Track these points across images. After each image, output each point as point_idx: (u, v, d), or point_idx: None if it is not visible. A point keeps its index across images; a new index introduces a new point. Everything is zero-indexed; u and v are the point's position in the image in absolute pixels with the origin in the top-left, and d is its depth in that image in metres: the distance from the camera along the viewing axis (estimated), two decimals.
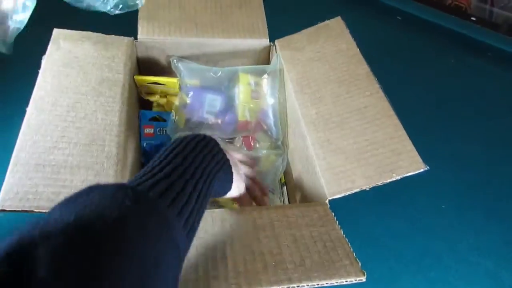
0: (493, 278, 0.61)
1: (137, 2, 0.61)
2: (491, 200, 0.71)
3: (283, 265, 0.39)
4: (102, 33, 0.60)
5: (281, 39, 0.67)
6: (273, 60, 0.64)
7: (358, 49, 0.61)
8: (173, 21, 0.65)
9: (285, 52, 0.64)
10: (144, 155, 0.63)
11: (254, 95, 0.65)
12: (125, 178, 0.47)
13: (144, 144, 0.63)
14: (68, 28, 0.59)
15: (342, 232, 0.43)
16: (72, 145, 0.46)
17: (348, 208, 0.60)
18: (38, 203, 0.41)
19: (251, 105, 0.65)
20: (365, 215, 0.66)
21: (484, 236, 0.66)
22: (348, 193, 0.47)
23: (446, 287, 0.60)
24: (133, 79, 0.62)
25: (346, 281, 0.39)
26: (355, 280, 0.39)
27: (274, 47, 0.68)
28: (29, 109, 0.49)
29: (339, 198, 0.47)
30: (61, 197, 0.41)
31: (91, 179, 0.44)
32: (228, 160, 0.44)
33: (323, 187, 0.48)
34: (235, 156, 0.52)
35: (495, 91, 0.91)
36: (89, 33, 0.60)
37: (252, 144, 0.66)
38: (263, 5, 0.70)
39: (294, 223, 0.43)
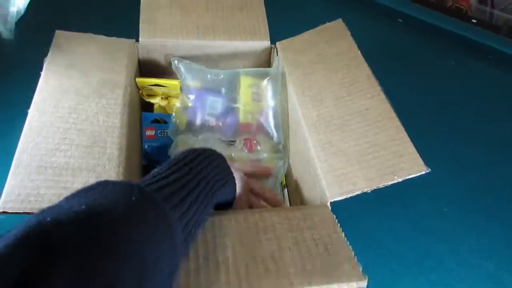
0: (494, 280, 0.61)
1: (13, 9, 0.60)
2: (492, 202, 0.70)
3: (284, 269, 0.39)
4: (104, 35, 0.61)
5: (282, 41, 0.67)
6: (274, 62, 0.64)
7: (359, 51, 0.61)
8: (175, 23, 0.65)
9: (286, 54, 0.64)
10: (145, 157, 0.63)
11: (255, 97, 0.65)
12: (126, 180, 0.47)
13: (146, 146, 0.63)
14: (69, 30, 0.59)
15: (343, 235, 0.43)
16: (74, 147, 0.47)
17: (350, 210, 0.60)
18: (40, 205, 0.41)
19: (252, 107, 0.65)
20: (367, 217, 0.66)
21: (485, 239, 0.65)
22: (349, 195, 0.47)
23: None
24: (135, 81, 0.62)
25: (347, 286, 0.39)
26: (357, 284, 0.39)
27: (275, 49, 0.68)
28: (31, 111, 0.49)
29: (340, 200, 0.47)
30: None
31: (92, 181, 0.44)
32: (233, 178, 0.46)
33: (325, 190, 0.48)
34: (245, 169, 0.53)
35: (496, 93, 0.91)
36: (91, 35, 0.60)
37: (253, 146, 0.66)
38: (264, 7, 0.70)
39: (295, 226, 0.43)
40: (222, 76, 0.64)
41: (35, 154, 0.45)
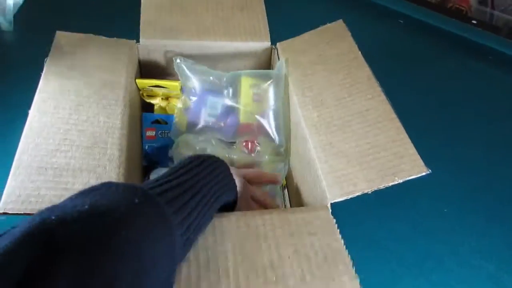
0: (495, 281, 0.61)
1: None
2: (492, 203, 0.70)
3: (284, 280, 0.39)
4: (104, 36, 0.61)
5: (282, 42, 0.67)
6: (277, 65, 0.64)
7: (359, 52, 0.61)
8: (175, 24, 0.65)
9: (286, 55, 0.64)
10: (145, 158, 0.64)
11: (256, 98, 0.65)
12: (127, 181, 0.47)
13: (146, 147, 0.63)
14: (70, 31, 0.59)
15: (343, 242, 0.43)
16: (75, 148, 0.47)
17: (350, 211, 0.60)
18: (40, 206, 0.41)
19: (253, 108, 0.65)
20: (367, 217, 0.66)
21: (486, 239, 0.65)
22: (350, 196, 0.47)
23: None
24: (135, 82, 0.62)
25: None
26: None
27: (275, 50, 0.68)
28: (32, 112, 0.49)
29: (341, 201, 0.47)
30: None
31: (93, 182, 0.44)
32: (234, 185, 0.46)
33: (325, 191, 0.48)
34: (251, 175, 0.54)
35: (496, 94, 0.91)
36: (91, 35, 0.60)
37: (254, 147, 0.66)
38: (264, 8, 0.70)
39: (295, 231, 0.43)
40: (225, 78, 0.64)
41: (36, 155, 0.45)
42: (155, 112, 0.69)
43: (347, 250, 0.42)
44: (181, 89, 0.65)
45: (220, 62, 0.69)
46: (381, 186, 0.47)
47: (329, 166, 0.50)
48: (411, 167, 0.47)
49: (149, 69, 0.68)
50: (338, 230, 0.44)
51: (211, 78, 0.64)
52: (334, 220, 0.45)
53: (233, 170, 0.50)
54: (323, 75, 0.59)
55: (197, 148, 0.61)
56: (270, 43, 0.67)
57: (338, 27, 0.65)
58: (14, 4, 0.64)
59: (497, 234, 0.66)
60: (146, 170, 0.62)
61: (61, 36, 0.59)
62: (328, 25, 0.66)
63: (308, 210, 0.47)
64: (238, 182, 0.48)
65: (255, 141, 0.66)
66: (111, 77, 0.56)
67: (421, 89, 0.90)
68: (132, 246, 0.28)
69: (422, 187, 0.70)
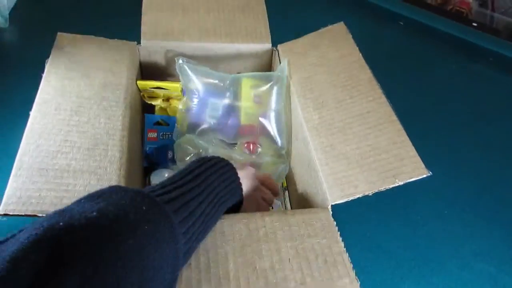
0: (496, 283, 0.61)
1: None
2: (493, 205, 0.70)
3: (284, 283, 0.39)
4: (105, 37, 0.61)
5: (283, 44, 0.67)
6: (279, 66, 0.64)
7: (360, 54, 0.61)
8: (176, 26, 0.65)
9: (287, 56, 0.64)
10: (146, 159, 0.63)
11: (257, 99, 0.65)
12: (127, 183, 0.47)
13: (147, 148, 0.63)
14: (71, 32, 0.60)
15: (343, 245, 0.43)
16: (76, 149, 0.46)
17: (350, 213, 0.60)
18: (41, 208, 0.41)
19: (254, 109, 0.65)
20: (367, 219, 0.66)
21: (486, 242, 0.65)
22: (350, 198, 0.47)
23: None
24: (136, 83, 0.62)
25: None
26: None
27: (276, 52, 0.68)
28: (33, 113, 0.49)
29: (341, 203, 0.47)
30: (64, 202, 0.42)
31: (94, 184, 0.44)
32: (240, 188, 0.46)
33: (326, 192, 0.48)
34: (261, 176, 0.54)
35: (496, 96, 0.91)
36: (92, 37, 0.60)
37: (255, 148, 0.66)
38: (265, 10, 0.71)
39: (296, 233, 0.43)
40: (226, 80, 0.64)
41: (37, 156, 0.45)
42: (156, 113, 0.69)
43: (347, 253, 0.42)
44: (182, 91, 0.65)
45: (221, 64, 0.69)
46: (382, 188, 0.47)
47: (330, 168, 0.50)
48: (412, 169, 0.47)
49: (150, 71, 0.68)
50: (339, 233, 0.44)
51: (212, 79, 0.64)
52: (335, 222, 0.45)
53: (247, 169, 0.50)
54: (324, 77, 0.59)
55: (199, 149, 0.61)
56: (271, 44, 0.67)
57: (339, 29, 0.65)
58: (8, 0, 0.64)
59: (497, 236, 0.66)
60: (147, 171, 0.62)
61: (62, 37, 0.59)
62: (329, 27, 0.66)
63: (309, 212, 0.47)
64: (249, 182, 0.48)
65: (256, 143, 0.66)
66: (112, 78, 0.56)
67: (421, 91, 0.90)
68: (139, 255, 0.28)
69: (422, 189, 0.70)
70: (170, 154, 0.64)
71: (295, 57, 0.64)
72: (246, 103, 0.65)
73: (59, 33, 0.59)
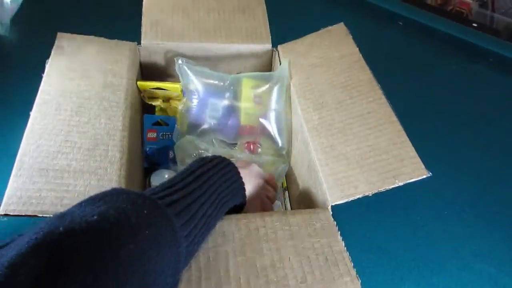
0: (496, 284, 0.61)
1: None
2: (493, 206, 0.70)
3: (285, 281, 0.39)
4: (106, 37, 0.61)
5: (284, 45, 0.67)
6: (280, 66, 0.64)
7: (360, 55, 0.61)
8: (176, 26, 0.65)
9: (287, 57, 0.64)
10: (146, 160, 0.64)
11: (257, 100, 0.65)
12: (128, 183, 0.47)
13: (147, 149, 0.63)
14: (71, 32, 0.60)
15: (344, 244, 0.43)
16: (76, 149, 0.47)
17: (350, 213, 0.60)
18: (42, 208, 0.41)
19: (254, 110, 0.65)
20: (367, 220, 0.66)
21: (486, 242, 0.65)
22: (350, 199, 0.47)
23: None
24: (136, 83, 0.62)
25: None
26: None
27: (276, 52, 0.68)
28: (33, 113, 0.49)
29: (341, 203, 0.47)
30: (64, 202, 0.42)
31: (94, 184, 0.44)
32: (242, 188, 0.46)
33: (326, 193, 0.48)
34: (267, 176, 0.54)
35: (496, 96, 0.91)
36: (93, 37, 0.60)
37: (255, 148, 0.66)
38: (265, 10, 0.71)
39: (296, 233, 0.43)
40: (226, 80, 0.64)
41: (37, 156, 0.45)
42: (156, 114, 0.69)
43: (348, 252, 0.42)
44: (182, 91, 0.65)
45: (221, 64, 0.69)
46: (382, 189, 0.47)
47: (330, 168, 0.50)
48: (412, 169, 0.48)
49: (150, 71, 0.68)
50: (339, 232, 0.44)
51: (212, 80, 0.64)
52: (335, 223, 0.46)
53: (251, 167, 0.50)
54: (324, 78, 0.59)
55: (200, 149, 0.61)
56: (271, 45, 0.67)
57: (339, 30, 0.65)
58: (11, 9, 0.64)
59: (497, 236, 0.66)
60: (147, 172, 0.62)
61: (62, 38, 0.59)
62: (329, 28, 0.66)
63: (309, 212, 0.47)
64: (254, 180, 0.48)
65: (256, 143, 0.66)
66: (112, 79, 0.56)
67: (421, 91, 0.90)
68: (140, 260, 0.28)
69: (422, 190, 0.70)
70: (171, 155, 0.64)
71: (295, 57, 0.64)
72: (246, 104, 0.65)
73: (59, 34, 0.59)
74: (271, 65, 0.71)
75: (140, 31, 0.64)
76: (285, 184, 0.67)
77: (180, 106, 0.65)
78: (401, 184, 0.47)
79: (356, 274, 0.40)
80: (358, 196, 0.47)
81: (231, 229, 0.43)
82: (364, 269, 0.61)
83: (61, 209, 0.41)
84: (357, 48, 0.62)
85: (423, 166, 0.48)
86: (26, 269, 0.22)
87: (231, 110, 0.66)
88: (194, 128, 0.65)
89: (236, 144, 0.67)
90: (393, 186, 0.47)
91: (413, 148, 0.50)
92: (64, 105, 0.50)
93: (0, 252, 0.24)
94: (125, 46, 0.61)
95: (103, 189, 0.43)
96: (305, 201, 0.57)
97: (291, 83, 0.62)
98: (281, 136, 0.64)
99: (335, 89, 0.57)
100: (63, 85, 0.52)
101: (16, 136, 0.47)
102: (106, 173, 0.46)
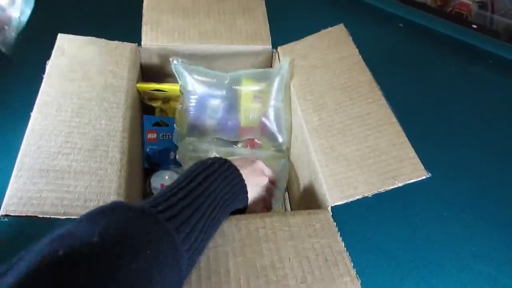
0: (495, 285, 0.61)
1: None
2: (493, 207, 0.71)
3: (285, 281, 0.39)
4: (106, 38, 0.61)
5: (283, 46, 0.67)
6: (278, 63, 0.64)
7: (360, 56, 0.61)
8: (177, 28, 0.66)
9: (287, 58, 0.64)
10: (147, 160, 0.64)
11: (257, 100, 0.65)
12: (128, 184, 0.47)
13: (147, 149, 0.64)
14: (71, 33, 0.60)
15: (343, 245, 0.43)
16: (76, 150, 0.47)
17: (350, 214, 0.60)
18: (42, 208, 0.41)
19: (254, 110, 0.66)
20: (367, 221, 0.66)
21: (486, 243, 0.66)
22: (350, 199, 0.47)
23: None
24: (136, 85, 0.62)
25: None
26: None
27: (276, 54, 0.68)
28: (34, 114, 0.49)
29: (341, 204, 0.47)
30: (65, 203, 0.42)
31: (94, 185, 0.44)
32: (244, 191, 0.45)
33: (326, 194, 0.48)
34: (271, 176, 0.53)
35: (496, 97, 0.92)
36: (93, 38, 0.60)
37: (255, 145, 0.66)
38: (265, 12, 0.71)
39: (296, 234, 0.43)
40: (223, 78, 0.64)
41: (38, 157, 0.45)
42: (156, 115, 0.69)
43: (347, 252, 0.42)
44: (181, 92, 0.65)
45: (221, 66, 0.69)
46: (382, 190, 0.47)
47: (330, 169, 0.50)
48: (411, 170, 0.48)
49: (150, 72, 0.68)
50: (339, 233, 0.45)
51: (210, 79, 0.63)
52: (335, 223, 0.46)
53: (255, 164, 0.49)
54: (324, 79, 0.60)
55: (201, 149, 0.61)
56: (271, 46, 0.67)
57: (339, 31, 0.66)
58: (16, 29, 0.64)
59: (497, 237, 0.66)
60: (148, 173, 0.62)
61: (63, 39, 0.59)
62: (329, 29, 0.66)
63: (309, 213, 0.47)
64: (256, 179, 0.48)
65: (257, 141, 0.66)
66: (113, 80, 0.56)
67: (421, 92, 0.90)
68: (141, 281, 0.28)
69: (422, 191, 0.70)
70: (171, 155, 0.64)
71: (295, 58, 0.64)
72: (246, 104, 0.65)
73: (59, 35, 0.59)
74: (271, 66, 0.71)
75: (140, 32, 0.64)
76: (285, 185, 0.67)
77: (178, 107, 0.65)
78: (400, 185, 0.47)
79: (356, 274, 0.40)
80: (357, 197, 0.47)
81: (231, 230, 0.43)
82: (364, 270, 0.61)
83: (62, 209, 0.41)
84: (357, 50, 0.62)
85: (422, 167, 0.48)
86: None
87: (231, 111, 0.66)
88: (194, 129, 0.65)
89: (237, 142, 0.67)
90: (392, 187, 0.47)
91: (412, 149, 0.50)
92: (65, 106, 0.51)
93: (1, 280, 0.24)
94: (126, 48, 0.61)
95: (103, 190, 0.44)
96: (305, 201, 0.57)
97: (291, 84, 0.62)
98: (280, 132, 0.64)
99: (335, 90, 0.58)
100: (63, 86, 0.53)
101: (17, 137, 0.47)
102: (106, 174, 0.46)
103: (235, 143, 0.67)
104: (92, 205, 0.43)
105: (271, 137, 0.65)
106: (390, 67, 0.89)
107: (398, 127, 0.52)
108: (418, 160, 0.49)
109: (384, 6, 1.09)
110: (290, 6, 1.07)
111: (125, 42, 0.62)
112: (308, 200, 0.56)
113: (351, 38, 0.64)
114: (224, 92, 0.65)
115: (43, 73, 0.54)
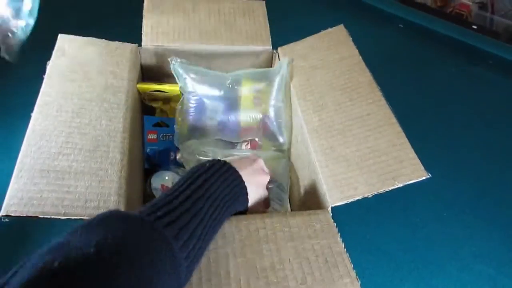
0: (495, 285, 0.61)
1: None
2: (492, 207, 0.71)
3: (285, 282, 0.39)
4: (106, 39, 0.61)
5: (284, 46, 0.67)
6: (278, 62, 0.64)
7: (360, 57, 0.61)
8: (177, 28, 0.66)
9: (287, 58, 0.64)
10: (147, 161, 0.64)
11: (257, 101, 0.65)
12: (128, 185, 0.47)
13: (148, 150, 0.64)
14: (72, 34, 0.60)
15: (343, 246, 0.43)
16: (77, 151, 0.47)
17: (350, 215, 0.60)
18: (43, 209, 0.41)
19: (254, 110, 0.66)
20: (367, 221, 0.66)
21: (486, 243, 0.66)
22: (350, 200, 0.47)
23: None
24: (137, 85, 0.62)
25: None
26: None
27: (276, 54, 0.68)
28: (34, 115, 0.49)
29: (341, 205, 0.47)
30: (65, 203, 0.42)
31: (95, 185, 0.44)
32: (244, 194, 0.45)
33: (326, 194, 0.48)
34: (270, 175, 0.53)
35: (496, 98, 0.92)
36: (94, 39, 0.60)
37: (256, 145, 0.66)
38: (266, 13, 0.71)
39: (296, 234, 0.43)
40: (223, 79, 0.64)
41: (38, 157, 0.45)
42: (156, 115, 0.70)
43: (347, 253, 0.42)
44: (181, 92, 0.65)
45: (221, 66, 0.69)
46: (381, 190, 0.47)
47: (330, 170, 0.50)
48: (411, 171, 0.48)
49: (151, 73, 0.68)
50: (339, 234, 0.45)
51: (209, 79, 0.63)
52: (335, 224, 0.46)
53: (255, 163, 0.49)
54: (324, 80, 0.60)
55: (203, 152, 0.60)
56: (271, 47, 0.67)
57: (339, 32, 0.66)
58: (21, 38, 0.65)
59: (497, 238, 0.67)
60: (148, 173, 0.62)
61: (63, 39, 0.59)
62: (329, 30, 0.67)
63: (309, 213, 0.47)
64: (257, 179, 0.47)
65: (257, 141, 0.66)
66: (113, 80, 0.56)
67: (421, 93, 0.90)
68: (140, 287, 0.28)
69: (422, 191, 0.70)
70: (172, 156, 0.65)
71: (295, 59, 0.64)
72: (246, 105, 0.65)
73: (60, 35, 0.59)
74: (271, 67, 0.71)
75: (141, 33, 0.64)
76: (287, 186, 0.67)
77: (178, 108, 0.64)
78: (400, 185, 0.47)
79: (356, 275, 0.40)
80: (357, 198, 0.47)
81: (231, 231, 0.43)
82: (364, 271, 0.61)
83: (62, 210, 0.41)
84: (357, 50, 0.62)
85: (422, 168, 0.48)
86: None
87: (231, 111, 0.66)
88: (194, 130, 0.65)
89: (238, 142, 0.67)
90: (392, 188, 0.47)
91: (412, 149, 0.50)
92: (65, 106, 0.51)
93: None
94: (126, 48, 0.61)
95: (103, 190, 0.44)
96: (305, 202, 0.58)
97: (291, 84, 0.62)
98: (281, 132, 0.64)
99: (335, 91, 0.58)
100: (64, 87, 0.53)
101: (17, 137, 0.47)
102: (107, 174, 0.46)
103: (236, 143, 0.67)
104: (93, 205, 0.43)
105: (272, 137, 0.65)
106: (390, 68, 0.90)
107: (398, 128, 0.52)
108: (418, 161, 0.49)
109: (384, 7, 1.09)
110: (290, 7, 1.07)
111: (126, 43, 0.62)
112: (308, 200, 0.56)
113: (351, 38, 0.64)
114: (224, 93, 0.65)
115: (44, 74, 0.54)
